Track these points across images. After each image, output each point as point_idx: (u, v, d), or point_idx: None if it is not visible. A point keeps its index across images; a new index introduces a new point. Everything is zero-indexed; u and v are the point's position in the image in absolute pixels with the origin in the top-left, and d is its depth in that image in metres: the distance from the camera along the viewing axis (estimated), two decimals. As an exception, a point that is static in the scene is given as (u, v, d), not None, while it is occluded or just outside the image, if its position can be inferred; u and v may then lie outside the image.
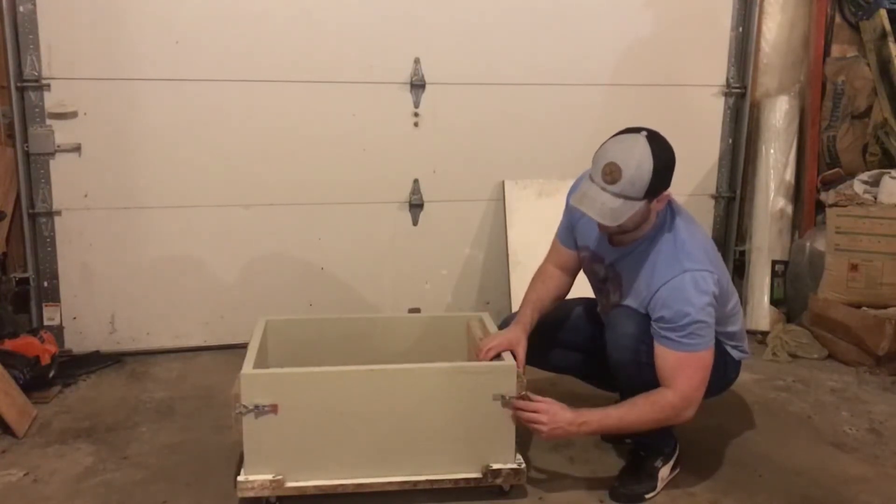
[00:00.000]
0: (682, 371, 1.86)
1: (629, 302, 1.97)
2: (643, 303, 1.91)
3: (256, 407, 1.86)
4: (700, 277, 1.84)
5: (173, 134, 2.97)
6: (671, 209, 1.97)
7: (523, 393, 1.93)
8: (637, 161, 1.77)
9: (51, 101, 2.84)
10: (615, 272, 2.01)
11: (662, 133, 1.90)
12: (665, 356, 1.87)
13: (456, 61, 3.13)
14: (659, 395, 1.87)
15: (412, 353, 2.30)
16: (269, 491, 1.90)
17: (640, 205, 1.81)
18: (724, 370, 2.09)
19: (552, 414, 1.90)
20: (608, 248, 2.03)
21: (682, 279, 1.84)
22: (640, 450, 2.11)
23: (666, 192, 1.87)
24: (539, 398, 1.93)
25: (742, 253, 3.59)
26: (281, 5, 2.96)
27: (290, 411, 1.87)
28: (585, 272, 2.19)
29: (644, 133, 1.82)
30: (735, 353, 2.12)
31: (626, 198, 1.78)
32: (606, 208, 1.79)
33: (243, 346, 2.08)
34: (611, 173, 1.77)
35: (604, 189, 1.79)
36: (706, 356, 1.88)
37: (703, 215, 3.58)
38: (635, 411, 1.89)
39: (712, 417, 2.54)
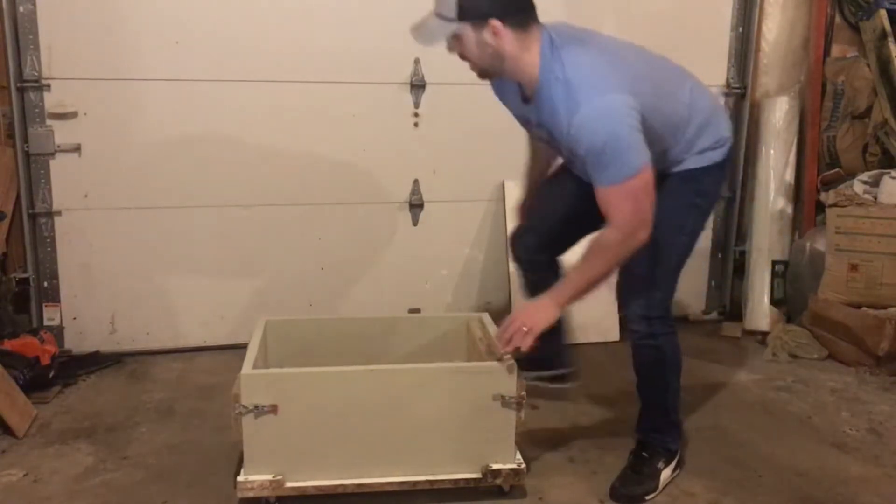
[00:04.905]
0: (612, 205, 1.78)
1: (563, 148, 1.89)
2: (570, 146, 1.83)
3: (256, 407, 1.86)
4: (598, 105, 1.73)
5: (173, 134, 2.96)
6: (553, 46, 1.82)
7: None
8: None
9: (51, 101, 2.84)
10: (545, 128, 1.91)
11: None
12: (598, 194, 1.80)
13: (456, 61, 3.10)
14: (602, 237, 1.82)
15: (412, 353, 2.30)
16: (269, 491, 1.90)
17: (455, 27, 1.77)
18: (716, 183, 2.04)
19: (522, 315, 1.90)
20: (528, 110, 1.94)
21: (581, 116, 1.73)
22: (643, 450, 2.11)
23: (495, 22, 1.76)
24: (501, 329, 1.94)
25: (742, 253, 3.59)
26: (281, 6, 2.96)
27: (290, 411, 1.87)
28: (539, 140, 2.10)
29: None
30: (718, 154, 2.00)
31: (440, 16, 1.78)
32: (423, 27, 1.82)
33: (243, 346, 2.07)
34: None
35: (430, 14, 1.82)
36: (632, 184, 1.75)
37: (703, 215, 3.58)
38: (590, 263, 1.84)
39: (712, 417, 2.54)
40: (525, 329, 1.87)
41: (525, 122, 2.02)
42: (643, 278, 1.97)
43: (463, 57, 1.86)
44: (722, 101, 3.46)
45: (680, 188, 1.97)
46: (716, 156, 1.99)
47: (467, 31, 1.79)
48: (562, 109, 1.78)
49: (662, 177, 1.94)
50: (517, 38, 1.79)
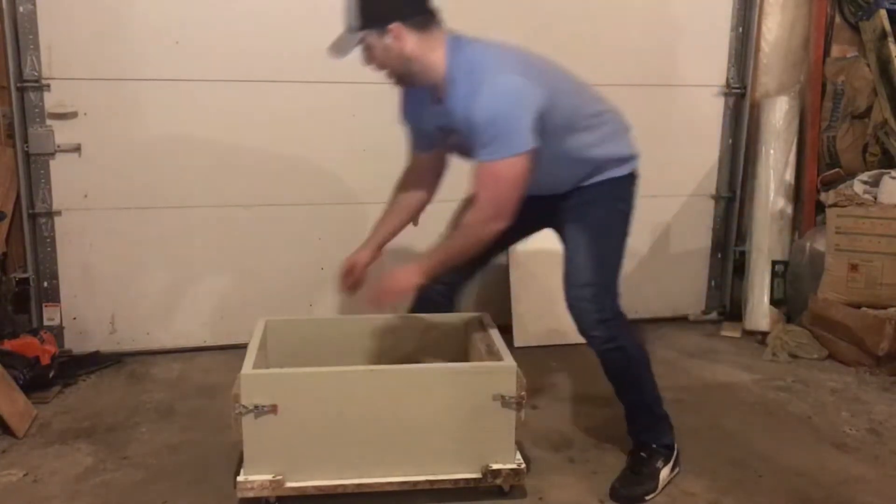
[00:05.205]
0: (480, 182, 1.87)
1: (470, 147, 1.92)
2: (471, 136, 1.87)
3: (256, 407, 1.86)
4: (497, 83, 1.79)
5: (173, 134, 2.97)
6: (458, 44, 1.90)
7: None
8: None
9: (51, 101, 2.84)
10: (456, 131, 1.95)
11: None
12: (474, 171, 1.89)
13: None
14: (465, 216, 1.94)
15: (412, 353, 2.30)
16: (269, 491, 1.90)
17: (361, 35, 1.87)
18: (631, 190, 2.10)
19: (389, 278, 2.03)
20: (441, 113, 1.96)
21: (480, 94, 1.79)
22: (641, 451, 2.12)
23: (395, 26, 1.84)
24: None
25: (742, 253, 3.59)
26: (281, 5, 2.96)
27: (289, 411, 1.87)
28: (456, 154, 2.13)
29: None
30: (628, 168, 2.07)
31: (349, 29, 1.89)
32: (336, 42, 1.92)
33: (243, 346, 2.07)
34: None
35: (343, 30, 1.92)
36: (504, 166, 1.81)
37: (703, 215, 3.59)
38: (452, 239, 2.00)
39: (712, 417, 2.54)
40: (390, 291, 2.02)
41: (440, 131, 2.04)
42: (592, 284, 2.02)
43: (379, 66, 1.94)
44: (722, 101, 3.47)
45: (602, 197, 2.05)
46: (626, 168, 2.08)
47: (373, 38, 1.88)
48: (465, 94, 1.83)
49: (582, 189, 2.04)
50: (420, 40, 1.87)
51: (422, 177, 2.21)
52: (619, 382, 2.13)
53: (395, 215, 2.24)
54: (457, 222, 2.06)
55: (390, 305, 2.08)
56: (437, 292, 2.26)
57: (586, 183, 2.04)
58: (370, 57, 1.92)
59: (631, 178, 2.10)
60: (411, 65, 1.89)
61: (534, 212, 2.06)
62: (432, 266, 2.00)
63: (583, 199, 2.04)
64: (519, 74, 1.81)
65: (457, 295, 2.33)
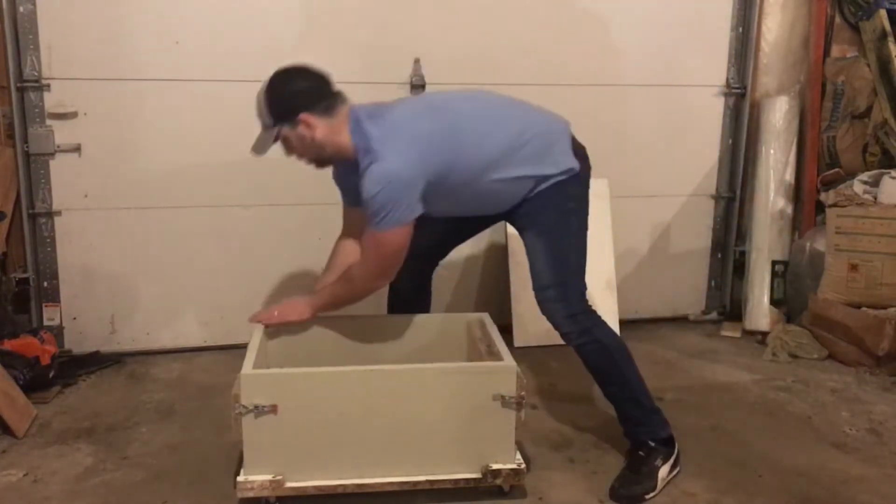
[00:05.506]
0: (366, 245, 2.05)
1: None
2: None
3: (256, 407, 1.86)
4: (381, 168, 1.92)
5: (173, 134, 2.97)
6: (358, 122, 2.00)
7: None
8: (258, 94, 2.02)
9: (51, 101, 2.84)
10: None
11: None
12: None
13: (456, 61, 3.13)
14: (352, 268, 2.11)
15: (412, 353, 2.30)
16: (269, 491, 1.90)
17: (276, 131, 2.01)
18: (582, 187, 2.14)
19: (282, 305, 2.23)
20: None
21: (368, 172, 1.94)
22: (638, 449, 2.12)
23: (304, 116, 1.97)
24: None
25: (742, 253, 3.59)
26: (281, 5, 2.96)
27: (289, 411, 1.87)
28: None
29: None
30: (571, 173, 2.10)
31: (263, 126, 2.04)
32: (257, 141, 2.07)
33: (243, 346, 2.07)
34: None
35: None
36: (385, 237, 1.97)
37: (703, 215, 3.59)
38: (339, 286, 2.14)
39: (712, 417, 2.54)
40: (282, 319, 2.19)
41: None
42: (553, 284, 2.07)
43: (299, 155, 2.08)
44: (722, 101, 3.48)
45: (551, 201, 2.10)
46: (569, 173, 2.10)
47: (287, 131, 2.01)
48: (362, 170, 1.96)
49: (529, 199, 2.10)
50: (328, 125, 2.00)
51: (358, 233, 2.25)
52: (601, 377, 2.15)
53: (337, 273, 2.25)
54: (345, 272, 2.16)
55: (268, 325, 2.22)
56: (403, 289, 2.36)
57: (532, 193, 2.09)
58: (289, 148, 2.06)
59: (577, 178, 2.12)
60: (324, 150, 2.04)
61: (490, 215, 2.21)
62: (320, 306, 2.18)
63: (533, 208, 2.10)
64: (404, 157, 1.92)
65: (425, 285, 2.46)
